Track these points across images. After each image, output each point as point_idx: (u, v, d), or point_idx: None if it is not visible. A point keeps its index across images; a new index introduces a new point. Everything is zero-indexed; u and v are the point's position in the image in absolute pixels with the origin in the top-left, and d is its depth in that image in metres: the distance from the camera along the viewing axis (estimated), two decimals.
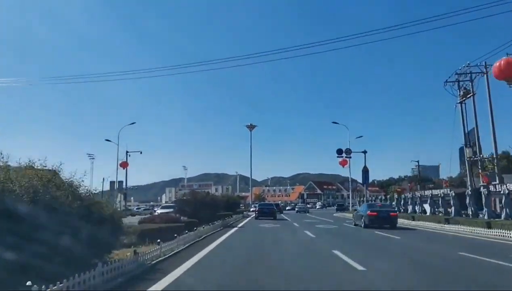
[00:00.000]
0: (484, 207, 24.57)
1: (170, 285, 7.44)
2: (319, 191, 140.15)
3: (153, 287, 7.19)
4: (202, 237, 17.93)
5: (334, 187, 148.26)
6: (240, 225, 29.47)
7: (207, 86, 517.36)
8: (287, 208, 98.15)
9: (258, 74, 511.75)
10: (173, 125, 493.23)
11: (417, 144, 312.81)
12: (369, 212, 26.40)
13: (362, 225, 26.32)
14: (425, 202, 36.53)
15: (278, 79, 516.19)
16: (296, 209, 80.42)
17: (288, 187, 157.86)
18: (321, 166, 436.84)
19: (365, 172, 46.67)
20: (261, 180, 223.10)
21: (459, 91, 38.94)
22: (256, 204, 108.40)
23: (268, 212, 39.09)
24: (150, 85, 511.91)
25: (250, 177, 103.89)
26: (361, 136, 53.80)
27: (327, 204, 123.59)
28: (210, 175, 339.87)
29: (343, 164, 52.92)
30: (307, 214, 60.03)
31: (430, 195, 33.87)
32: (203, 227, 20.08)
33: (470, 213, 26.08)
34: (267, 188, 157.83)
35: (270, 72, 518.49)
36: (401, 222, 32.48)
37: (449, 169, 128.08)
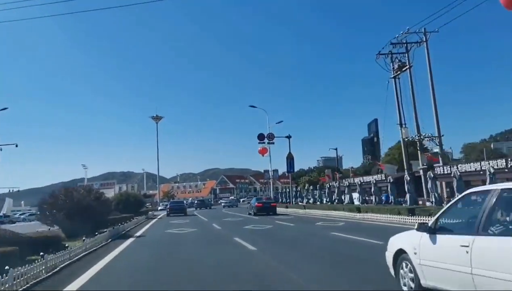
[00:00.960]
0: (456, 192, 19.14)
1: None
2: (231, 185, 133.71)
3: None
4: (57, 269, 9.44)
5: (246, 180, 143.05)
6: (140, 232, 21.01)
7: (106, 75, 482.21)
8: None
9: (162, 59, 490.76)
10: (72, 120, 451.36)
11: (327, 134, 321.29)
12: (256, 203, 34.41)
13: (252, 214, 32.85)
14: (364, 190, 31.27)
15: (184, 65, 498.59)
16: (222, 203, 75.85)
17: (199, 183, 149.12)
18: (231, 160, 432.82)
19: (290, 159, 40.57)
20: (170, 177, 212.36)
21: (393, 65, 34.36)
22: (165, 202, 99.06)
23: (178, 208, 41.84)
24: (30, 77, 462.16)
25: (157, 173, 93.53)
26: (281, 121, 47.54)
27: (239, 198, 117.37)
28: (115, 174, 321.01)
29: (262, 152, 46.39)
30: (223, 209, 52.76)
31: (374, 182, 28.43)
32: (67, 247, 11.49)
33: (434, 200, 20.60)
34: (177, 184, 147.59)
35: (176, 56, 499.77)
36: (343, 215, 26.54)
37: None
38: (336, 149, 64.79)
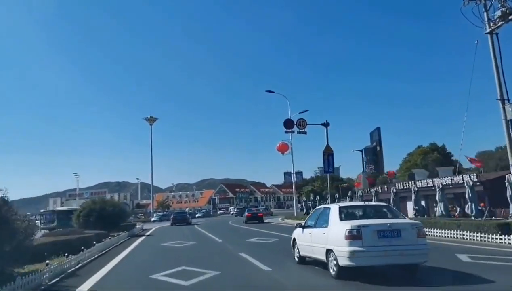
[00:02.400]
0: None
1: None
2: (231, 194, 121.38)
3: None
4: None
5: (247, 190, 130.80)
6: (94, 279, 8.90)
7: (100, 85, 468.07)
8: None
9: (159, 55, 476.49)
10: (67, 130, 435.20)
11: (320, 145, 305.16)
12: (247, 213, 40.51)
13: (244, 222, 37.06)
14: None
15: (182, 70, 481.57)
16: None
17: (196, 192, 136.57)
18: (226, 171, 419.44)
19: (329, 154, 28.79)
20: (165, 187, 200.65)
21: (487, 15, 23.00)
22: (159, 212, 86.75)
23: (181, 218, 42.81)
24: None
25: (151, 178, 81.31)
26: (307, 110, 35.29)
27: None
28: (110, 184, 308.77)
29: (282, 149, 34.87)
30: (230, 222, 40.95)
31: (469, 184, 17.13)
32: None
33: None
34: (172, 193, 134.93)
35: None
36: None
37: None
38: (362, 151, 53.30)
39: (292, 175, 36.40)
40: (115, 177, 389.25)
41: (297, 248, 10.12)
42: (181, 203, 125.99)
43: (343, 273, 7.63)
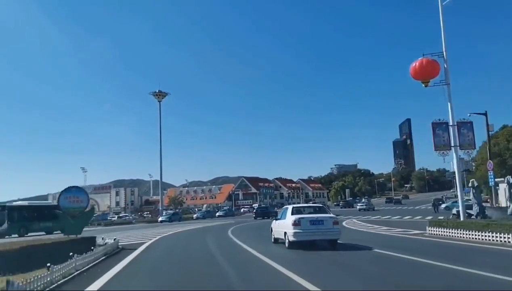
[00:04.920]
0: None
1: None
2: (253, 190, 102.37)
3: None
4: None
5: (271, 185, 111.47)
6: None
7: (111, 79, 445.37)
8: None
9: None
10: (81, 127, 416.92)
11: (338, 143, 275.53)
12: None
13: None
14: None
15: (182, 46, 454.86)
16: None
17: (213, 187, 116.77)
18: (240, 168, 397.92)
19: None
20: (178, 184, 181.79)
21: None
22: (171, 210, 67.01)
23: (262, 212, 46.53)
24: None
25: (160, 167, 61.07)
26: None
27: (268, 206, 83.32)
28: (124, 181, 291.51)
29: (425, 72, 13.92)
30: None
31: None
32: None
33: None
34: (186, 188, 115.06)
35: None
36: None
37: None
38: (485, 113, 32.29)
39: (449, 127, 15.13)
40: (130, 175, 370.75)
41: (273, 233, 15.56)
42: (195, 199, 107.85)
43: (292, 245, 12.84)
